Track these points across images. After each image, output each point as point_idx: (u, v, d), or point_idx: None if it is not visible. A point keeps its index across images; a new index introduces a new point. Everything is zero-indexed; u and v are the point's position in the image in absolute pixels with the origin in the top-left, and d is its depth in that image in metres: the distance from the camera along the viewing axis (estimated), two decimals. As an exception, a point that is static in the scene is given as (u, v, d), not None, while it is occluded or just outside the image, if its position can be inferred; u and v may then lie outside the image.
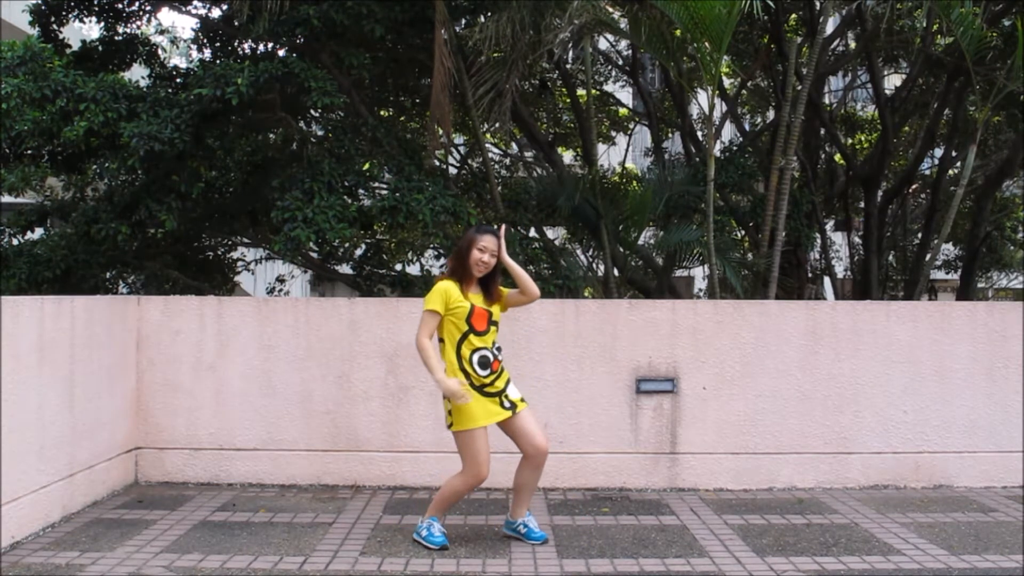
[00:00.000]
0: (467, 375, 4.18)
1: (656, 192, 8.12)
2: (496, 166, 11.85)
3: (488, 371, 4.20)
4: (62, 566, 4.00)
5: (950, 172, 11.79)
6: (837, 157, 12.59)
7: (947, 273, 15.40)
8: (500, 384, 4.24)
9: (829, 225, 13.35)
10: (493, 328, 4.27)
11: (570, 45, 8.16)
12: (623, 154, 14.20)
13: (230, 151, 8.50)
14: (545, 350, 5.62)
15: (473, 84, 7.77)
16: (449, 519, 4.82)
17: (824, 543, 4.46)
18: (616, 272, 8.76)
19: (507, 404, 4.23)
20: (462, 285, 4.24)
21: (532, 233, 9.75)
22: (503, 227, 4.43)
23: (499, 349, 4.31)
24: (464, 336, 4.18)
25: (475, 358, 4.18)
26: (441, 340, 4.24)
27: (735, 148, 10.27)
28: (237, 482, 5.56)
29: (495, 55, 7.79)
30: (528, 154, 13.38)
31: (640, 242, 9.01)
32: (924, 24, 9.48)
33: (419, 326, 4.19)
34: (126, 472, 5.48)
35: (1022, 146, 10.19)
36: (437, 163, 9.44)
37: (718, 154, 9.28)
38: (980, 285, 16.48)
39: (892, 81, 13.51)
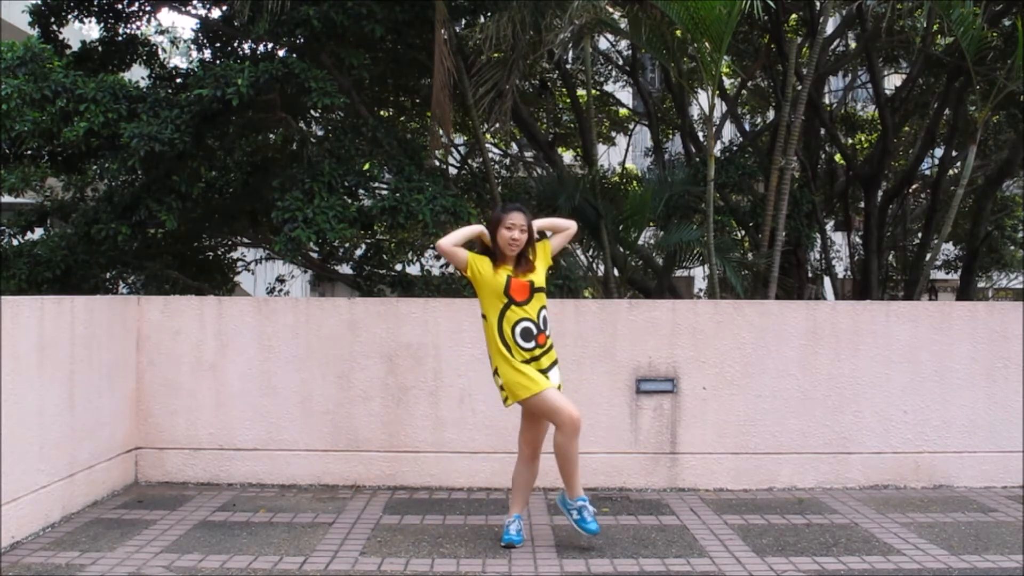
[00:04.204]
0: (510, 350, 4.13)
1: (656, 192, 8.12)
2: (496, 166, 11.86)
3: (532, 343, 4.15)
4: (62, 566, 4.00)
5: (950, 172, 11.79)
6: (837, 157, 12.59)
7: (947, 273, 15.42)
8: (545, 363, 4.18)
9: (829, 225, 13.35)
10: (537, 296, 4.20)
11: (570, 45, 8.17)
12: (623, 154, 14.20)
13: (230, 151, 8.51)
14: (545, 350, 5.62)
15: (473, 84, 7.77)
16: (449, 519, 4.82)
17: (824, 543, 4.46)
18: (616, 272, 8.76)
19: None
20: (495, 262, 4.23)
21: (532, 233, 9.71)
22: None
23: (545, 321, 4.21)
24: (505, 308, 4.15)
25: (518, 331, 4.14)
26: (484, 317, 4.24)
27: (735, 148, 10.28)
28: (237, 482, 5.56)
29: (495, 55, 7.79)
30: (528, 154, 13.39)
31: (640, 242, 9.01)
32: (924, 24, 9.48)
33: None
34: (126, 472, 5.48)
35: (1022, 146, 10.19)
36: (437, 163, 9.44)
37: (718, 154, 9.28)
38: (980, 285, 16.49)
39: (892, 81, 13.52)
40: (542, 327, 4.19)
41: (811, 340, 5.66)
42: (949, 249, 14.86)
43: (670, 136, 14.40)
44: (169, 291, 8.80)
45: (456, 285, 8.66)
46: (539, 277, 4.26)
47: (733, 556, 4.23)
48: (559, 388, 4.23)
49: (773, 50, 10.37)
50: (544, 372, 4.17)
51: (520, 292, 4.17)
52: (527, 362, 4.14)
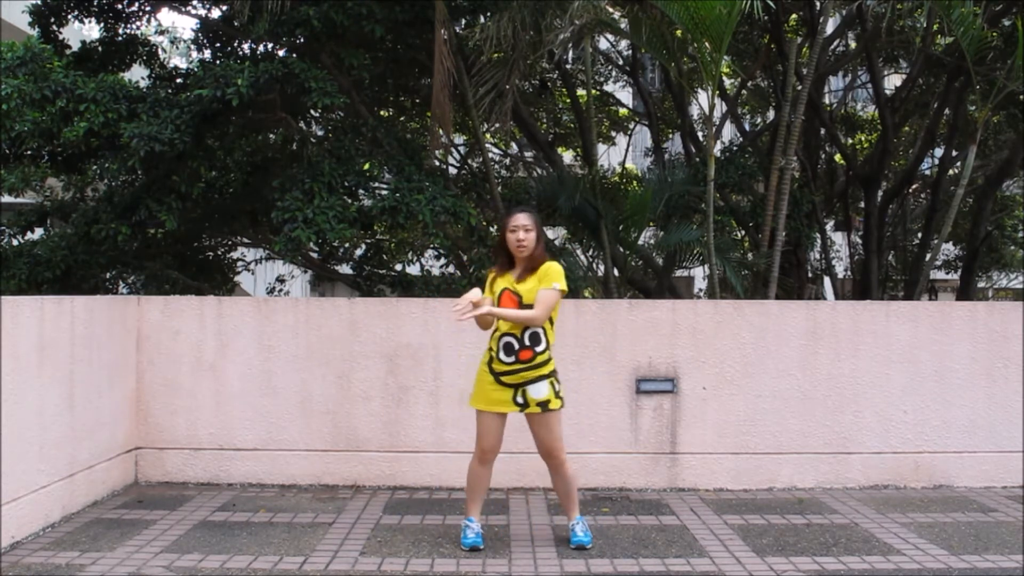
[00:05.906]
0: (491, 360, 4.22)
1: (656, 192, 8.11)
2: (496, 166, 11.87)
3: (513, 359, 4.15)
4: (62, 566, 4.00)
5: (950, 172, 11.79)
6: (837, 157, 12.59)
7: (947, 273, 15.41)
8: (525, 377, 4.15)
9: (829, 225, 13.35)
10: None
11: (570, 45, 8.16)
12: (623, 154, 14.20)
13: (230, 151, 8.51)
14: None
15: (473, 84, 7.77)
16: (449, 518, 4.83)
17: (824, 543, 4.46)
18: (616, 272, 8.76)
19: (519, 401, 4.17)
20: (503, 271, 4.28)
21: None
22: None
23: (534, 338, 4.15)
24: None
25: (502, 343, 4.18)
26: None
27: (735, 148, 10.27)
28: (237, 482, 5.56)
29: (495, 55, 7.79)
30: (528, 154, 13.39)
31: (640, 242, 9.01)
32: (924, 24, 9.49)
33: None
34: (126, 472, 5.48)
35: (1022, 146, 10.19)
36: (437, 163, 9.45)
37: (718, 154, 9.28)
38: (980, 285, 16.49)
39: (892, 81, 13.51)
40: (527, 344, 4.15)
41: (811, 340, 5.66)
42: (949, 249, 14.86)
43: (670, 136, 14.40)
44: (169, 291, 8.81)
45: (456, 285, 8.66)
46: (531, 293, 4.17)
47: (733, 556, 4.23)
48: (537, 406, 4.17)
49: (773, 50, 10.37)
50: (520, 386, 4.16)
51: (507, 306, 4.18)
52: (500, 374, 4.17)
